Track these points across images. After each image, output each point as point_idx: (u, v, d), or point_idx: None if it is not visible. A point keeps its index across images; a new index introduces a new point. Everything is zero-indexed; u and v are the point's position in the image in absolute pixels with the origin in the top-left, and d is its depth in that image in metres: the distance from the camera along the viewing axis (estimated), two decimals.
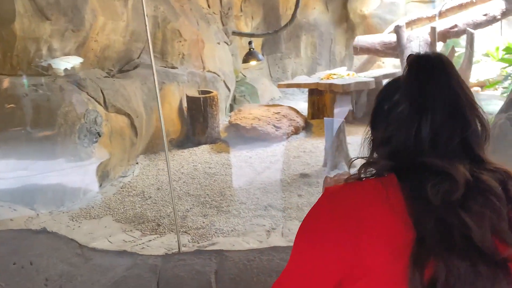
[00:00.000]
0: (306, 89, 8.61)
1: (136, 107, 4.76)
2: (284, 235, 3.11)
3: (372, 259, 0.83)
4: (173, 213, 3.71)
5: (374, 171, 0.92)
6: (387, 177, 0.89)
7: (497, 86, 7.47)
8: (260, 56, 5.61)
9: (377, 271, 0.83)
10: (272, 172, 4.53)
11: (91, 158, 4.06)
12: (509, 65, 5.77)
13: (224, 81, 6.80)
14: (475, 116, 0.88)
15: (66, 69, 4.10)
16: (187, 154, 5.44)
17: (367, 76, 6.34)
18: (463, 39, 8.07)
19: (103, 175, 4.32)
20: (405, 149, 0.88)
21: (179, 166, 5.03)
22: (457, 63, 7.61)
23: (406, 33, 7.06)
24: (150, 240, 3.19)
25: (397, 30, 7.04)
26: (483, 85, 7.68)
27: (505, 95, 6.73)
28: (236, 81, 7.46)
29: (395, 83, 0.95)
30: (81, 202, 3.98)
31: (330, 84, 5.95)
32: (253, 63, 5.73)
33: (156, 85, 2.71)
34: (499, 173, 0.87)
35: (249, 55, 5.53)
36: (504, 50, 6.82)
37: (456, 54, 7.51)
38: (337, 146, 4.31)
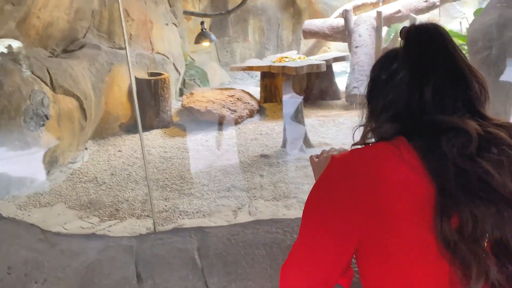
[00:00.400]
0: (256, 74, 8.64)
1: (85, 89, 4.49)
2: (251, 213, 3.08)
3: (396, 215, 0.83)
4: (132, 197, 3.55)
5: (379, 137, 0.93)
6: (394, 139, 0.88)
7: None
8: (213, 36, 5.49)
9: (402, 227, 0.83)
10: (231, 154, 4.47)
11: (39, 142, 3.78)
12: None
13: (173, 64, 6.60)
14: (474, 78, 0.90)
15: (7, 47, 3.76)
16: (138, 139, 5.22)
17: (318, 59, 6.41)
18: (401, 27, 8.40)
19: (52, 161, 4.05)
20: (409, 111, 0.89)
21: (131, 151, 4.83)
22: None
23: (353, 18, 7.22)
24: (110, 226, 3.03)
25: (345, 14, 7.17)
26: None
27: None
28: (185, 65, 7.28)
29: (391, 53, 0.97)
30: (28, 190, 3.71)
31: (283, 67, 5.95)
32: (205, 44, 5.59)
33: (130, 69, 2.54)
34: (505, 126, 0.89)
35: (202, 36, 5.39)
36: (449, 32, 7.14)
37: (399, 39, 7.80)
38: (296, 126, 4.33)
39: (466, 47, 5.92)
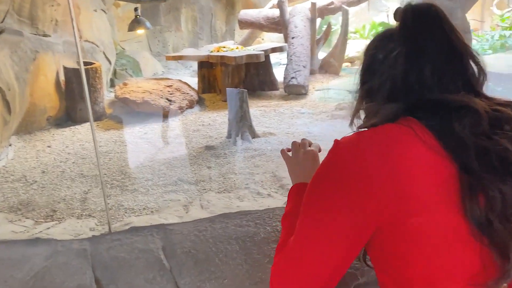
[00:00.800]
0: (191, 64, 8.42)
1: (7, 79, 4.05)
2: (204, 207, 2.95)
3: (419, 198, 0.77)
4: (70, 195, 3.28)
5: (381, 118, 0.86)
6: (402, 120, 0.84)
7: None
8: (148, 24, 5.21)
9: (427, 210, 0.77)
10: (174, 146, 4.29)
11: None
12: None
13: (104, 53, 6.21)
14: (471, 59, 0.89)
15: None
16: (69, 133, 4.86)
17: (256, 49, 6.35)
18: (333, 18, 8.62)
19: None
20: (407, 89, 0.86)
21: (63, 146, 4.47)
22: (335, 39, 8.11)
23: (288, 8, 7.25)
24: (48, 228, 2.75)
25: (280, 5, 7.18)
26: (352, 61, 8.32)
27: None
28: (116, 54, 6.89)
29: (387, 33, 0.94)
30: None
31: (222, 57, 5.82)
32: (140, 31, 5.30)
33: (80, 58, 2.28)
34: (508, 105, 0.88)
35: (136, 23, 5.10)
36: (379, 24, 7.39)
37: (331, 30, 7.98)
38: (241, 116, 4.24)
39: None
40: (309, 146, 1.19)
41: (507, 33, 7.52)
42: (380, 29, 6.87)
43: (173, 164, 3.79)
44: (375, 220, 0.80)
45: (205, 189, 3.26)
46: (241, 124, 4.20)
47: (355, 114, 0.97)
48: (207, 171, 3.59)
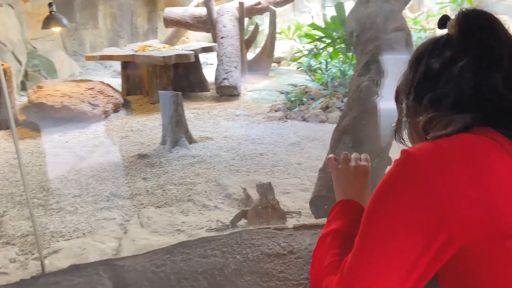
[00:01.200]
0: (111, 64, 7.87)
1: None
2: (144, 225, 2.66)
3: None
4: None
5: (453, 128, 0.80)
6: (476, 129, 0.79)
7: (289, 62, 8.21)
8: (65, 21, 4.71)
9: None
10: (101, 156, 3.89)
11: None
12: (313, 41, 6.33)
13: (12, 52, 5.56)
14: None
15: None
16: None
17: (184, 49, 6.06)
18: (258, 18, 8.56)
19: None
20: (477, 99, 0.81)
21: None
22: (262, 40, 8.04)
23: (215, 7, 7.04)
24: None
25: (207, 3, 6.95)
26: (279, 62, 8.32)
27: (300, 69, 7.44)
28: (26, 53, 6.22)
29: (439, 41, 0.90)
30: None
31: (149, 57, 5.46)
32: (56, 29, 4.79)
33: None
34: None
35: (51, 20, 4.58)
36: (309, 25, 7.41)
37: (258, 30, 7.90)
38: (176, 121, 3.96)
39: (327, 39, 6.29)
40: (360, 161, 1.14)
41: (423, 35, 7.96)
42: (312, 31, 6.89)
43: (103, 177, 3.42)
44: (459, 240, 0.72)
45: (142, 204, 2.96)
46: (177, 129, 3.92)
47: (444, 127, 0.85)
48: (143, 183, 3.28)
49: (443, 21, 0.89)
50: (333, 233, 0.97)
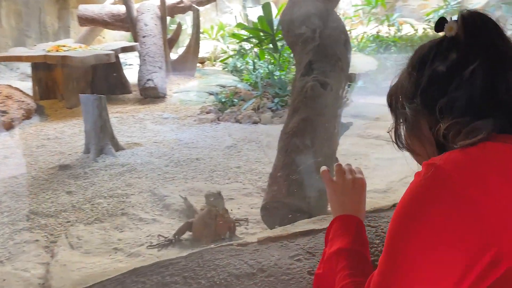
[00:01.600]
0: (18, 65, 7.14)
1: None
2: (74, 246, 2.35)
3: None
4: None
5: (472, 135, 0.75)
6: (495, 135, 0.74)
7: (213, 62, 8.07)
8: None
9: None
10: (14, 169, 3.44)
11: None
12: (240, 41, 6.23)
13: None
14: None
15: None
16: None
17: (103, 49, 5.65)
18: (180, 18, 8.30)
19: None
20: (496, 102, 0.77)
21: None
22: (185, 39, 7.79)
23: (134, 5, 6.68)
24: None
25: (125, 1, 6.57)
26: (203, 62, 8.13)
27: (226, 69, 7.32)
28: None
29: (442, 44, 0.85)
30: None
31: (64, 57, 4.99)
32: None
33: None
34: None
35: None
36: (237, 26, 7.29)
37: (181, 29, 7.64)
38: (101, 126, 3.63)
39: (255, 40, 6.20)
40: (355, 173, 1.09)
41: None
42: (240, 31, 6.76)
43: (19, 193, 3.01)
44: (510, 258, 0.65)
45: (69, 222, 2.63)
46: (102, 136, 3.59)
47: (468, 136, 0.79)
48: (68, 198, 2.94)
49: (440, 24, 0.85)
50: (338, 253, 0.93)
